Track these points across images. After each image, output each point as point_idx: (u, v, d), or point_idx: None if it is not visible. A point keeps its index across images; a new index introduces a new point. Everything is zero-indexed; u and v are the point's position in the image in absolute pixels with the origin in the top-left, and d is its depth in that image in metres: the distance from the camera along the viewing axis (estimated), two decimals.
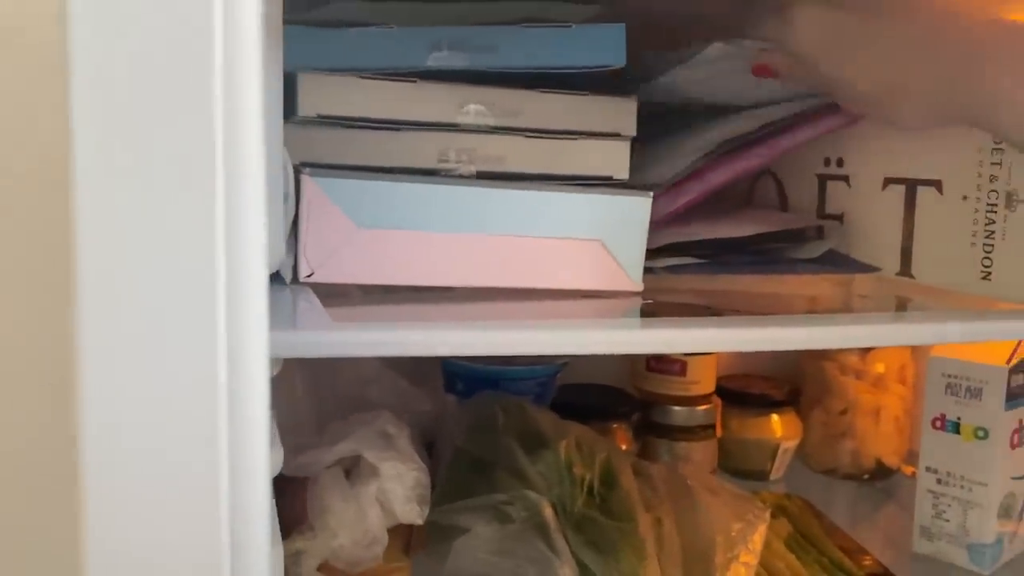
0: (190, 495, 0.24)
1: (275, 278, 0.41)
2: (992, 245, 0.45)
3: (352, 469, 0.52)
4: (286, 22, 0.44)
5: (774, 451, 0.79)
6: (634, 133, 0.50)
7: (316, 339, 0.33)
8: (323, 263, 0.41)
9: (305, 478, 0.51)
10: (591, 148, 0.50)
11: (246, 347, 0.24)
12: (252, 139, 0.22)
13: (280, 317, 0.35)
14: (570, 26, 0.47)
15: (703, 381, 0.77)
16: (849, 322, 0.43)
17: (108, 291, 0.23)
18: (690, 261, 0.53)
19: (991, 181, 0.45)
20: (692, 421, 0.77)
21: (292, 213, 0.41)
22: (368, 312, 0.42)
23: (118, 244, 0.22)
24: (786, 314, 0.46)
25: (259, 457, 0.24)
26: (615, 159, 0.50)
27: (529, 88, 0.48)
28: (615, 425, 0.74)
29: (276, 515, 0.38)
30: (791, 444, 0.80)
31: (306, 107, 0.45)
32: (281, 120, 0.36)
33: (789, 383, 0.82)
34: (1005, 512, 0.64)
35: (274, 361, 0.34)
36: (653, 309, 0.47)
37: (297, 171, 0.41)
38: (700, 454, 0.78)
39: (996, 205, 0.44)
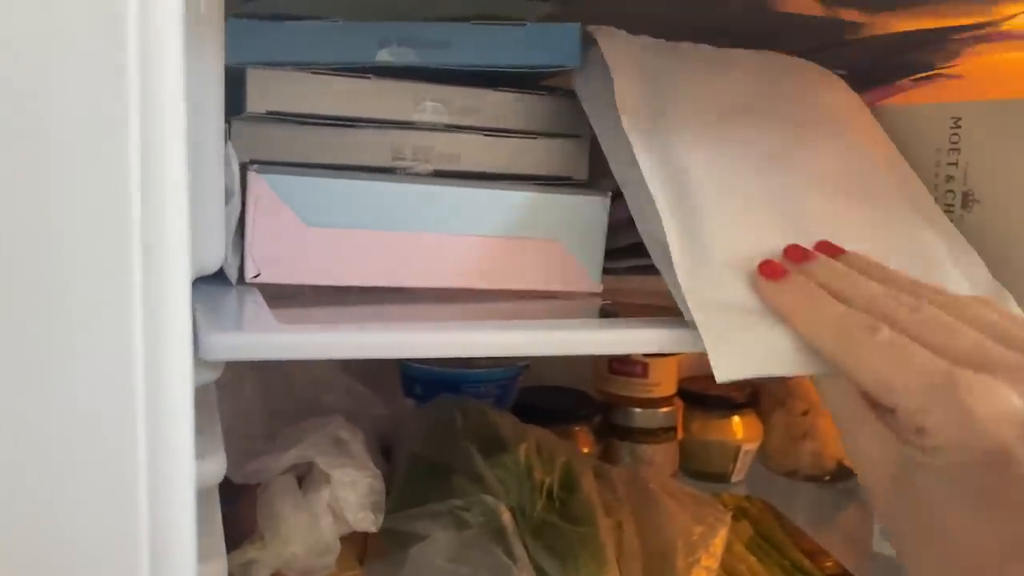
0: (105, 512, 0.22)
1: (220, 279, 0.40)
2: None
3: (305, 476, 0.50)
4: (231, 15, 0.43)
5: (735, 453, 0.79)
6: (592, 133, 0.50)
7: (259, 341, 0.32)
8: (271, 263, 0.40)
9: (256, 485, 0.49)
10: (550, 148, 0.49)
11: (166, 352, 0.22)
12: (172, 136, 0.21)
13: (222, 318, 0.34)
14: (524, 24, 0.46)
15: (664, 383, 0.77)
16: None
17: (17, 294, 0.21)
18: (650, 262, 0.52)
19: (947, 181, 0.44)
20: (654, 423, 0.77)
21: (237, 211, 0.40)
22: (317, 313, 0.41)
23: (28, 242, 0.21)
24: None
25: (182, 470, 0.23)
26: (574, 159, 0.50)
27: (487, 87, 0.47)
28: (577, 428, 0.74)
29: (217, 527, 0.36)
30: (752, 446, 0.80)
31: (255, 103, 0.43)
32: (221, 115, 0.34)
33: (750, 385, 0.82)
34: None
35: (215, 365, 0.33)
36: (613, 310, 0.46)
37: (244, 168, 0.40)
38: (662, 456, 0.77)
39: (953, 205, 0.44)
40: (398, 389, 0.67)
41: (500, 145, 0.48)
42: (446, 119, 0.47)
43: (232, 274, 0.40)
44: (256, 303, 0.37)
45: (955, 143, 0.44)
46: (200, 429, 0.35)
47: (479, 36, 0.46)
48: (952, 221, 0.44)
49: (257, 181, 0.39)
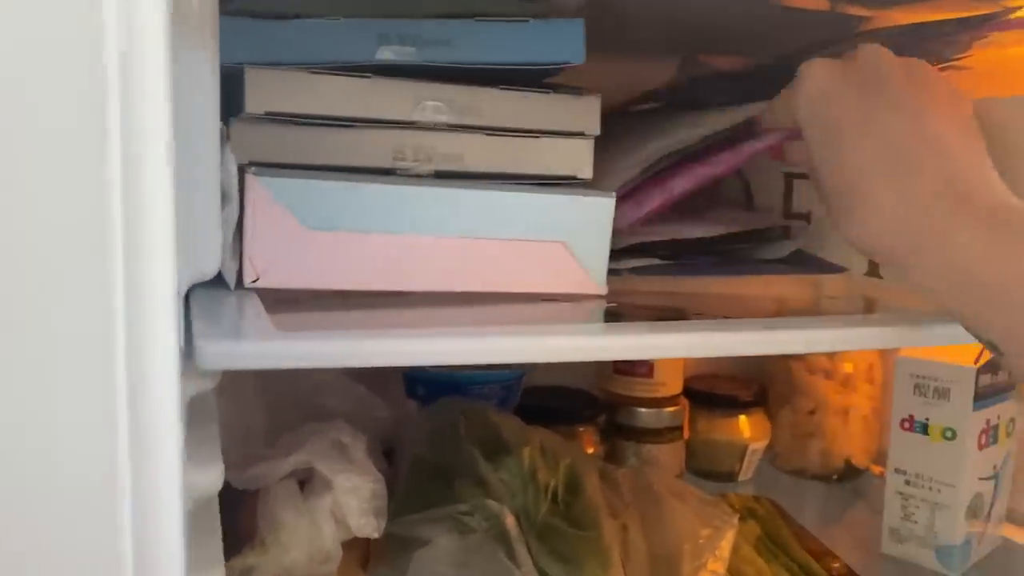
0: (86, 528, 0.21)
1: (220, 283, 0.39)
2: None
3: (307, 481, 0.50)
4: (227, 13, 0.42)
5: (742, 452, 0.78)
6: (598, 132, 0.49)
7: (255, 349, 0.31)
8: (270, 267, 0.39)
9: (257, 491, 0.49)
10: (553, 147, 0.48)
11: (150, 363, 0.22)
12: (155, 139, 0.20)
13: (218, 326, 0.33)
14: (527, 21, 0.45)
15: (670, 383, 0.76)
16: (814, 326, 0.42)
17: None
18: (655, 263, 0.51)
19: None
20: (659, 423, 0.76)
21: (236, 215, 0.39)
22: (317, 319, 0.40)
23: (3, 249, 0.20)
24: (752, 317, 0.45)
25: (169, 484, 0.22)
26: (578, 158, 0.49)
27: (489, 85, 0.46)
28: (581, 428, 0.73)
29: (215, 536, 0.36)
30: (759, 445, 0.79)
31: (253, 104, 0.43)
32: (216, 117, 0.33)
33: (757, 383, 0.81)
34: (973, 513, 0.64)
35: (212, 373, 0.32)
36: (617, 312, 0.45)
37: (242, 171, 0.39)
38: (667, 456, 0.77)
39: None
40: (401, 391, 0.66)
41: (503, 145, 0.47)
42: (448, 118, 0.46)
43: (231, 279, 0.39)
44: (254, 309, 0.37)
45: None
46: (196, 438, 0.35)
47: (481, 33, 0.45)
48: None
49: (255, 184, 0.39)
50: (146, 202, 0.21)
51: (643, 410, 0.76)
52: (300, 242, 0.40)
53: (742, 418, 0.79)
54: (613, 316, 0.45)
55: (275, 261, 0.39)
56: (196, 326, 0.33)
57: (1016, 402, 0.65)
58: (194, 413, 0.35)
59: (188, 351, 0.31)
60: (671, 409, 0.76)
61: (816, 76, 0.43)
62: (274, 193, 0.39)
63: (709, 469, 0.79)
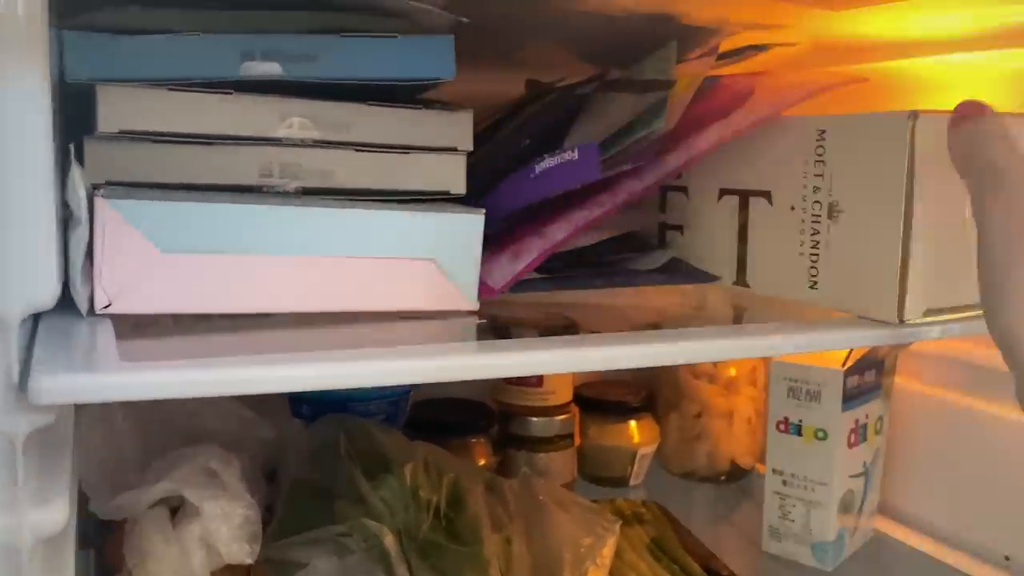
0: None
1: (74, 309, 0.38)
2: (817, 254, 0.45)
3: (179, 508, 0.48)
4: (79, 28, 0.40)
5: (632, 457, 0.80)
6: (470, 147, 0.49)
7: (94, 382, 0.30)
8: (122, 293, 0.38)
9: (124, 521, 0.47)
10: (425, 163, 0.48)
11: None
12: None
13: (58, 357, 0.32)
14: (395, 37, 0.45)
15: (560, 391, 0.77)
16: (681, 338, 0.43)
17: None
18: (533, 276, 0.52)
19: (815, 192, 0.45)
20: (550, 431, 0.77)
21: (86, 239, 0.37)
22: (174, 346, 0.39)
23: None
24: (626, 330, 0.46)
25: None
26: (450, 174, 0.49)
27: (359, 101, 0.46)
28: (473, 440, 0.73)
29: (66, 573, 0.34)
30: (649, 449, 0.81)
31: (106, 122, 0.41)
32: (49, 136, 0.32)
33: (646, 389, 0.83)
34: (845, 509, 0.66)
35: (51, 407, 0.31)
36: (489, 328, 0.45)
37: (91, 193, 0.38)
38: (559, 464, 0.77)
39: (820, 215, 0.45)
40: (286, 410, 0.65)
41: (374, 161, 0.47)
42: (316, 135, 0.45)
43: (83, 305, 0.38)
44: (104, 337, 0.35)
45: (820, 155, 0.45)
46: (40, 473, 0.33)
47: (347, 49, 0.45)
48: (819, 231, 0.45)
49: (103, 207, 0.37)
50: None
51: (534, 419, 0.77)
52: (156, 265, 0.38)
53: (632, 423, 0.80)
54: (485, 331, 0.45)
55: (128, 286, 0.38)
56: (37, 356, 0.32)
57: (884, 401, 0.69)
58: (38, 446, 0.34)
59: (23, 384, 0.30)
60: (562, 417, 0.77)
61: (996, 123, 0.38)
62: (126, 215, 0.38)
63: (601, 475, 0.81)
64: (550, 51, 0.66)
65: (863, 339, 0.47)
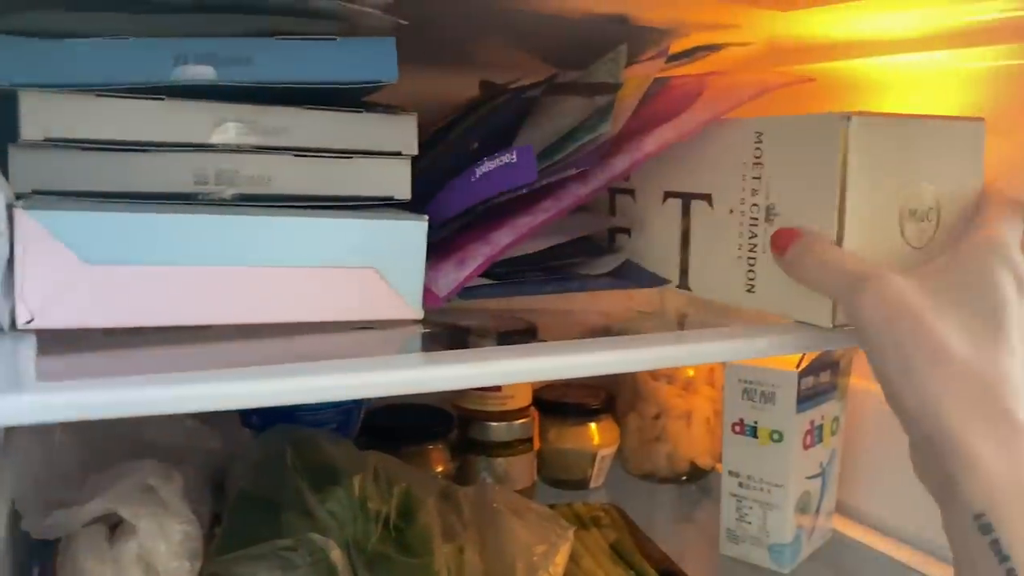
0: None
1: None
2: (755, 258, 0.45)
3: (118, 526, 0.47)
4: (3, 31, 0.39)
5: (592, 459, 0.79)
6: (415, 151, 0.48)
7: (10, 406, 0.28)
8: (46, 307, 0.37)
9: (59, 540, 0.46)
10: (368, 168, 0.47)
11: None
12: None
13: None
14: (335, 39, 0.44)
15: (519, 395, 0.76)
16: (626, 346, 0.42)
17: None
18: (483, 283, 0.51)
19: (752, 195, 0.45)
20: (510, 436, 0.76)
21: (6, 252, 0.36)
22: (98, 362, 0.38)
23: None
24: (581, 335, 0.46)
25: None
26: (395, 179, 0.48)
27: (296, 104, 0.45)
28: (431, 446, 0.72)
29: None
30: (609, 451, 0.80)
31: (30, 129, 0.40)
32: None
33: (605, 391, 0.82)
34: (802, 510, 0.66)
35: None
36: (435, 338, 0.44)
37: (11, 204, 0.36)
38: (519, 468, 0.77)
39: (757, 219, 0.45)
40: (235, 420, 0.64)
41: (314, 167, 0.46)
42: (252, 140, 0.44)
43: (4, 320, 0.37)
44: (25, 354, 0.34)
45: (758, 157, 0.45)
46: None
47: (284, 51, 0.43)
48: (756, 235, 0.45)
49: (24, 219, 0.36)
50: None
51: (493, 424, 0.76)
52: (81, 278, 0.37)
53: (591, 426, 0.80)
54: (430, 341, 0.44)
55: (52, 299, 0.37)
56: None
57: (840, 402, 0.68)
58: None
59: None
60: (521, 421, 0.76)
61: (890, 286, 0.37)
62: (47, 227, 0.36)
63: (561, 478, 0.80)
64: (506, 52, 0.66)
65: (797, 345, 0.46)
